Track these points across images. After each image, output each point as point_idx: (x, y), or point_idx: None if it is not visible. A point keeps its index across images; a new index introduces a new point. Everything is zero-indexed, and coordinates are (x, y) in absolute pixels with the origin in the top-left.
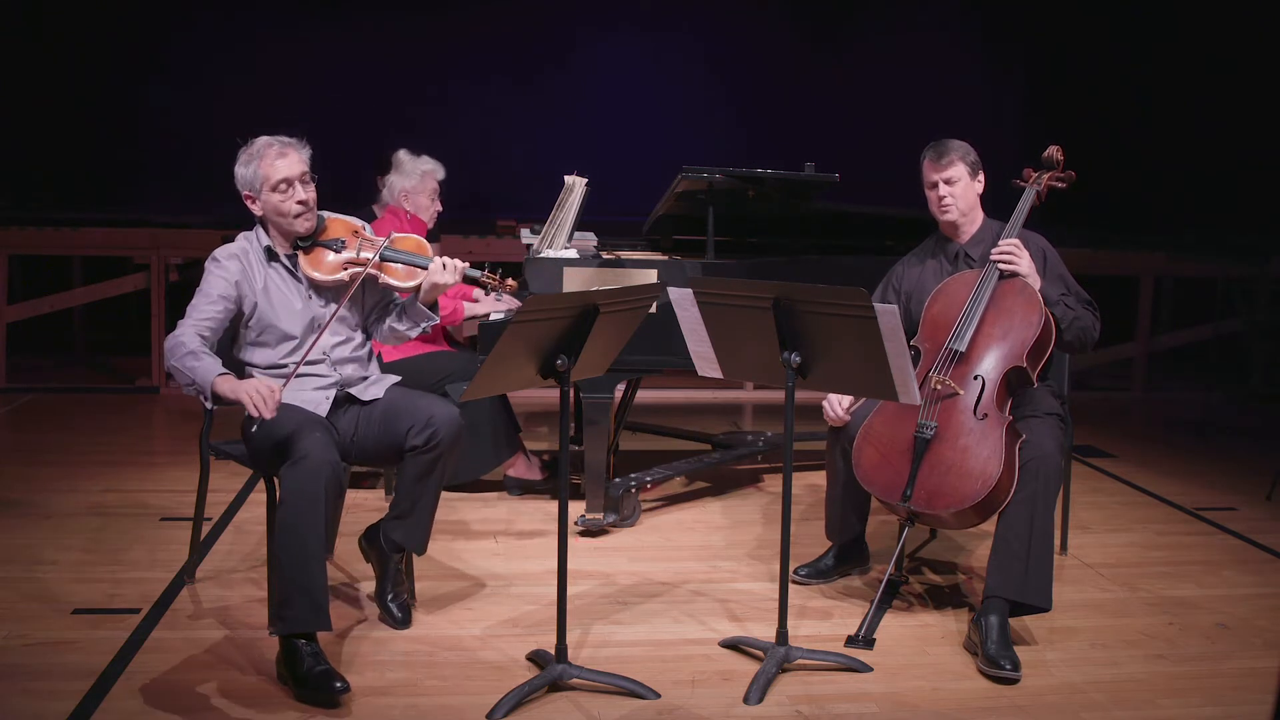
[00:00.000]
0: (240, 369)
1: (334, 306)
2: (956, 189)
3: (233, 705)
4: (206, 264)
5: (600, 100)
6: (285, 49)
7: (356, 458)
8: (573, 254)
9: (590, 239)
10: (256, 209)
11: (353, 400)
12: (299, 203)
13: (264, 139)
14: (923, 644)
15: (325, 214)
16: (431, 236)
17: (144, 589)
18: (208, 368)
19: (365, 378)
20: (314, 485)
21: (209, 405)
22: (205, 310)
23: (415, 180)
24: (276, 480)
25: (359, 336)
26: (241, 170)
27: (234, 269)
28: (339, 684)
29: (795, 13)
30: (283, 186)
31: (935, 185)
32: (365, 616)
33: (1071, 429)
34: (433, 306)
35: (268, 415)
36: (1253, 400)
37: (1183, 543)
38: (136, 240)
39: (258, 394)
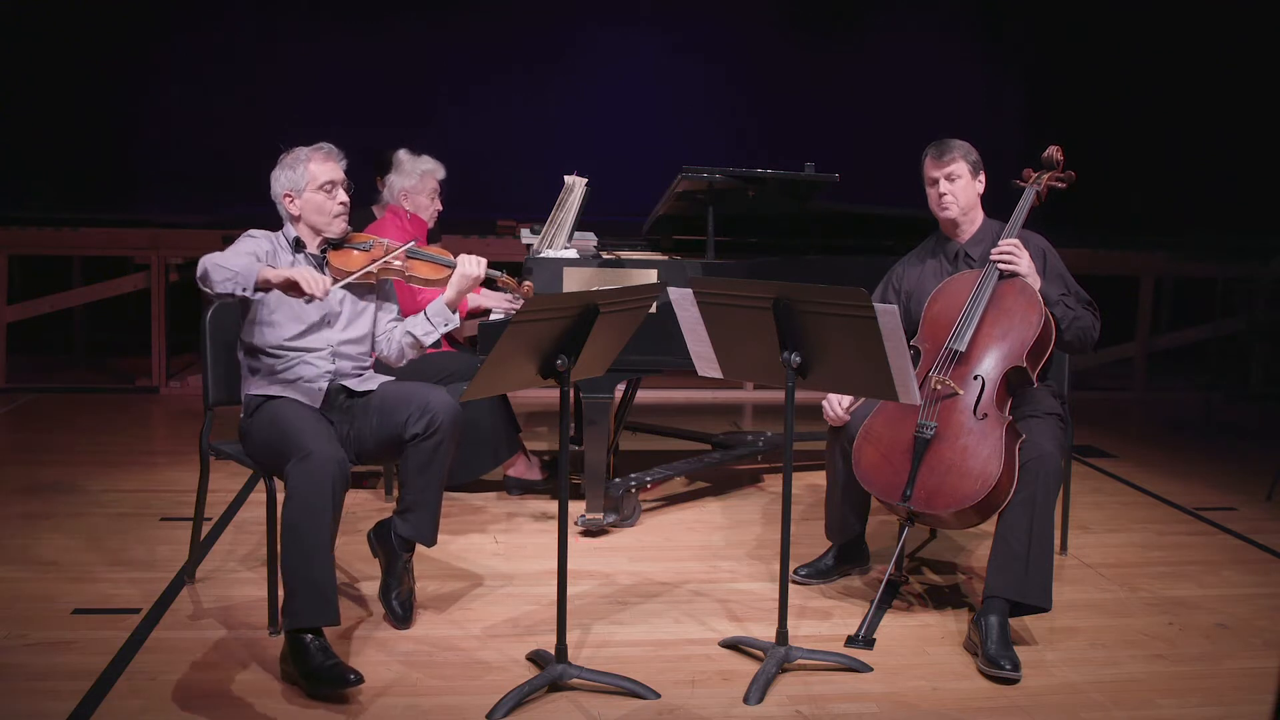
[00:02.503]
0: (239, 366)
1: (350, 299)
2: (957, 187)
3: (233, 705)
4: (240, 237)
5: (600, 100)
6: (286, 50)
7: (355, 455)
8: (573, 254)
9: (590, 239)
10: (294, 209)
11: (347, 394)
12: (340, 204)
13: (305, 147)
14: (923, 644)
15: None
16: (432, 236)
17: (144, 589)
18: (248, 261)
19: (359, 376)
20: (321, 481)
21: (250, 294)
22: (232, 258)
23: (415, 180)
24: (283, 478)
25: (364, 345)
26: (286, 173)
27: (266, 244)
28: (352, 676)
29: (796, 13)
30: (328, 187)
31: (936, 182)
32: (365, 616)
33: (1071, 429)
34: (454, 311)
35: (321, 296)
36: (1253, 400)
37: (1183, 543)
38: (136, 240)
39: (310, 274)
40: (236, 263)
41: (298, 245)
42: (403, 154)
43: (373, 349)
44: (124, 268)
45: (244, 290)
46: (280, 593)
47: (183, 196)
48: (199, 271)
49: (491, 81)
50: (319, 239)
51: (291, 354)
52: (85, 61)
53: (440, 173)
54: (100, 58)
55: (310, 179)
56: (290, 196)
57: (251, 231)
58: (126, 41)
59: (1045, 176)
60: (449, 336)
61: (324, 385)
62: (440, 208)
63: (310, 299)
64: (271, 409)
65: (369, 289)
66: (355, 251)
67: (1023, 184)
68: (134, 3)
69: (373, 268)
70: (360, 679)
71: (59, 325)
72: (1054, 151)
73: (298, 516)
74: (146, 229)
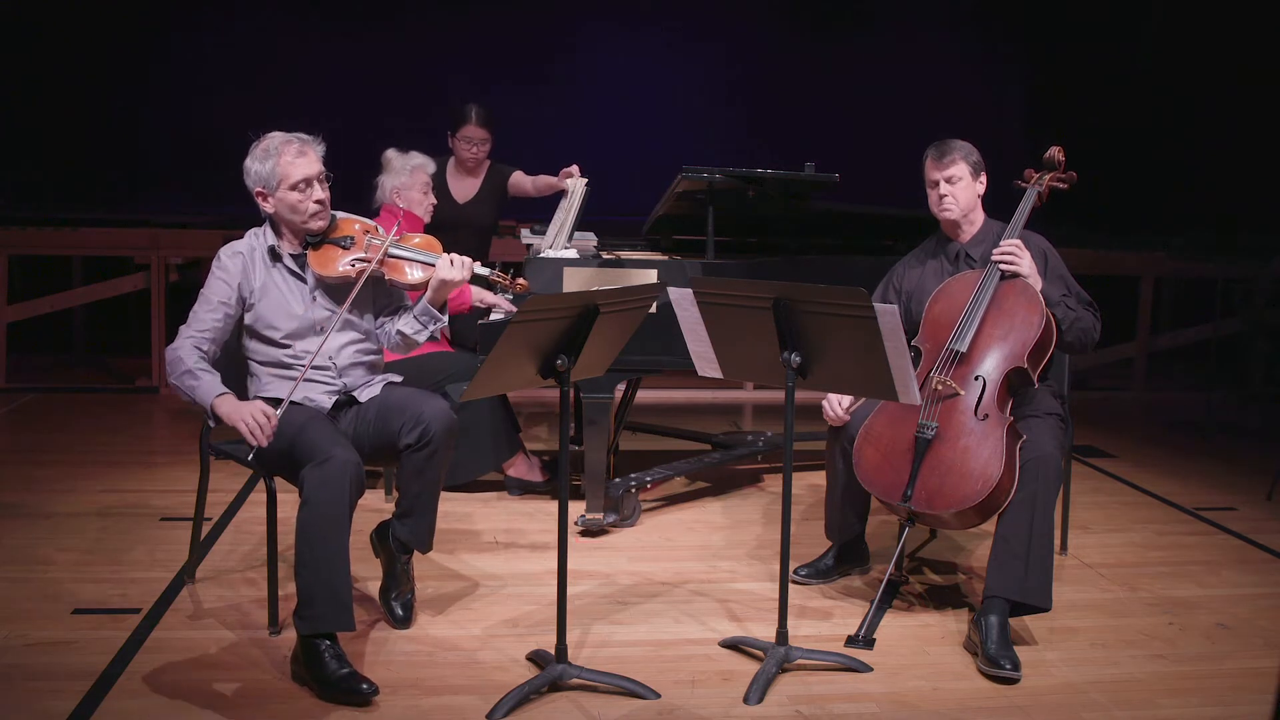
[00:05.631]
0: (243, 365)
1: (338, 308)
2: (957, 188)
3: (232, 705)
4: (212, 263)
5: (600, 100)
6: (286, 49)
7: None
8: (573, 254)
9: (590, 239)
10: (268, 206)
11: (351, 401)
12: (316, 201)
13: (279, 135)
14: (923, 644)
15: (336, 213)
16: (430, 231)
17: (144, 589)
18: (206, 388)
19: (367, 382)
20: (339, 485)
21: (211, 423)
22: (205, 320)
23: (405, 176)
24: (295, 481)
25: (368, 341)
26: (257, 166)
27: (235, 269)
28: (365, 686)
29: (796, 13)
30: (301, 185)
31: (936, 184)
32: (366, 617)
33: (1071, 429)
34: (442, 308)
35: (263, 443)
36: (1253, 400)
37: (1183, 543)
38: (136, 240)
39: (253, 420)
40: (195, 383)
41: (273, 255)
42: (391, 153)
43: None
44: (124, 268)
45: (209, 419)
46: (281, 593)
47: (183, 196)
48: (168, 379)
49: (491, 82)
50: (299, 236)
51: (297, 368)
52: (85, 61)
53: (431, 167)
54: (101, 57)
55: (282, 178)
56: (263, 194)
57: (219, 254)
58: (127, 41)
59: (1047, 177)
60: (450, 338)
61: (333, 400)
62: (434, 201)
63: (252, 449)
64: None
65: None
66: (336, 249)
67: (1024, 185)
68: (134, 2)
69: (352, 274)
70: (374, 689)
71: (59, 325)
72: (1055, 152)
73: (316, 521)
74: (146, 229)
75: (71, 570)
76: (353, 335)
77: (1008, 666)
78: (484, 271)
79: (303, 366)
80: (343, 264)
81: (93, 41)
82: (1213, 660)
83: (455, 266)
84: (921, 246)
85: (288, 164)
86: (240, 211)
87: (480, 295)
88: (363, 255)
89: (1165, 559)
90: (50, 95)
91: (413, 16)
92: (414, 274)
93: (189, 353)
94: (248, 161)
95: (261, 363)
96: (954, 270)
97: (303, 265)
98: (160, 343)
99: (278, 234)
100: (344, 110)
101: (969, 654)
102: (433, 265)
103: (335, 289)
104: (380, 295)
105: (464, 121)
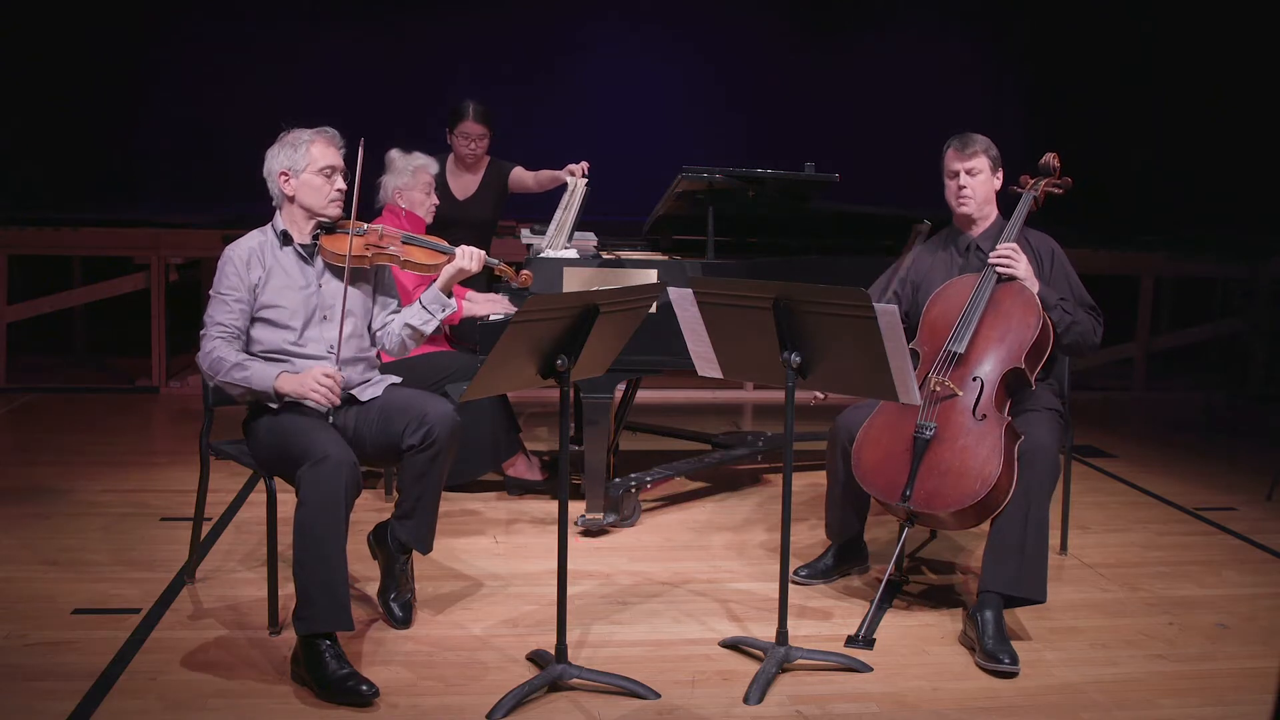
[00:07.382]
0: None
1: (347, 289)
2: (976, 180)
3: (233, 705)
4: (219, 262)
5: (600, 100)
6: (286, 48)
7: (356, 456)
8: (573, 254)
9: (590, 239)
10: (289, 188)
11: (351, 400)
12: (337, 189)
13: (307, 129)
14: (923, 644)
15: None
16: (430, 229)
17: (144, 589)
18: (260, 373)
19: (366, 380)
20: (335, 485)
21: (274, 405)
22: (224, 317)
23: (408, 177)
24: (292, 481)
25: (365, 339)
26: (286, 151)
27: (241, 262)
28: (365, 687)
29: (796, 13)
30: (327, 171)
31: (956, 174)
32: (366, 617)
33: (1071, 429)
34: (449, 295)
35: (336, 403)
36: (1253, 400)
37: (1183, 543)
38: (136, 240)
39: (321, 388)
40: (248, 373)
41: (285, 239)
42: (394, 153)
43: (373, 343)
44: (124, 268)
45: (269, 402)
46: (281, 593)
47: (183, 196)
48: (211, 384)
49: (491, 82)
50: (311, 223)
51: (296, 360)
52: (85, 61)
53: (433, 168)
54: (100, 57)
55: (311, 161)
56: (286, 175)
57: (226, 252)
58: (126, 41)
59: (1042, 183)
60: (450, 338)
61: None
62: (436, 202)
63: (328, 410)
64: (278, 411)
65: (364, 278)
66: (350, 236)
67: (1020, 190)
68: (134, 2)
69: (366, 251)
70: (374, 690)
71: (59, 325)
72: (1051, 158)
73: (312, 521)
74: (146, 229)
75: (71, 570)
76: (353, 328)
77: (1006, 661)
78: (492, 262)
79: (304, 355)
80: (359, 246)
81: (92, 41)
82: (1212, 660)
83: (473, 260)
84: (933, 238)
85: (319, 149)
86: (240, 211)
87: (471, 309)
88: (378, 240)
89: (1165, 559)
90: (50, 95)
91: (414, 18)
92: (427, 258)
93: (226, 349)
94: (273, 148)
95: (261, 353)
96: (964, 262)
97: (312, 253)
98: (161, 343)
99: (289, 222)
100: (344, 111)
101: (967, 650)
102: (445, 254)
103: (343, 275)
104: (382, 295)
105: (461, 118)
